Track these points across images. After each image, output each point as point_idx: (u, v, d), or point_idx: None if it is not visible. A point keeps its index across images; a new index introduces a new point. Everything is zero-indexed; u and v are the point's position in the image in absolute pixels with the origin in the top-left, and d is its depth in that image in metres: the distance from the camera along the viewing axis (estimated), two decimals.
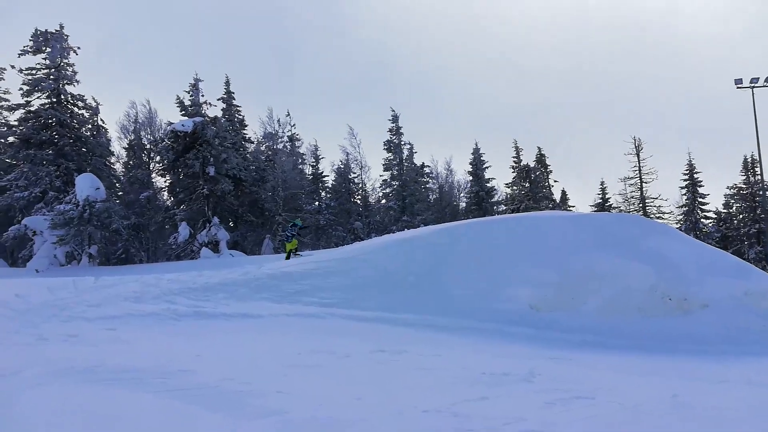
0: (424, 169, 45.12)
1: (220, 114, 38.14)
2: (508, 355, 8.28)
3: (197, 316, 8.76)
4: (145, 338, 7.21)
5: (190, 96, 35.75)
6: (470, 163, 46.03)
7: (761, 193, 38.13)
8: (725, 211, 44.09)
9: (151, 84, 78.25)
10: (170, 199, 37.14)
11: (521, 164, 45.92)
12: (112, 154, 37.79)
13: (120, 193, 38.01)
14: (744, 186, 42.75)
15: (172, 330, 7.86)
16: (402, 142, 43.31)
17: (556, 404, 5.14)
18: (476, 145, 45.83)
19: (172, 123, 33.85)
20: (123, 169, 39.95)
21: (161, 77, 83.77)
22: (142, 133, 40.05)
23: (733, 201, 43.65)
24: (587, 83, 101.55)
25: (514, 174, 45.97)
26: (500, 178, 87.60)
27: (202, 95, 35.86)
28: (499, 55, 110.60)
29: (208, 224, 32.47)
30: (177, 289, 10.39)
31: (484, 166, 45.73)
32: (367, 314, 10.36)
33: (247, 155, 38.82)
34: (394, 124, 43.29)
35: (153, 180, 39.52)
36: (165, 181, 37.59)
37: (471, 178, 46.49)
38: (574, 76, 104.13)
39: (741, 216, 42.86)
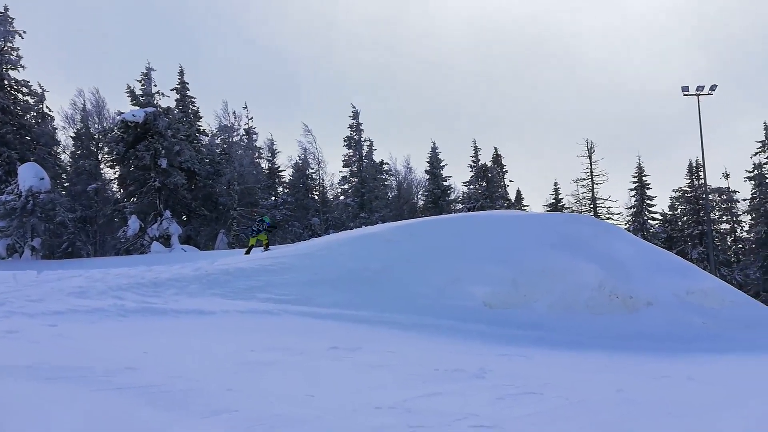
0: (384, 166, 45.20)
1: (173, 105, 37.14)
2: (461, 352, 8.37)
3: (145, 312, 8.48)
4: (89, 335, 6.93)
5: (142, 85, 34.67)
6: (427, 162, 46.39)
7: (704, 196, 39.90)
8: (671, 213, 45.93)
9: (101, 72, 75.43)
10: (120, 191, 35.94)
11: (479, 164, 46.58)
12: (58, 143, 36.31)
13: (66, 184, 36.56)
14: (689, 189, 44.63)
15: (119, 326, 7.59)
16: (362, 139, 43.25)
17: (506, 399, 5.23)
18: (434, 144, 46.24)
19: (123, 113, 32.74)
20: (69, 160, 38.38)
21: (111, 66, 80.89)
22: (90, 123, 38.51)
23: (678, 203, 45.51)
24: (543, 86, 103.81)
25: (472, 173, 46.59)
26: (458, 177, 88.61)
27: (155, 85, 34.85)
28: (457, 55, 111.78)
29: (159, 218, 31.59)
30: (124, 284, 10.03)
31: (442, 165, 46.17)
32: (322, 311, 10.28)
33: (202, 148, 37.96)
34: (354, 121, 43.18)
35: (102, 171, 38.15)
36: (114, 173, 36.38)
37: (428, 176, 46.86)
38: (531, 78, 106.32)
39: (685, 218, 44.74)
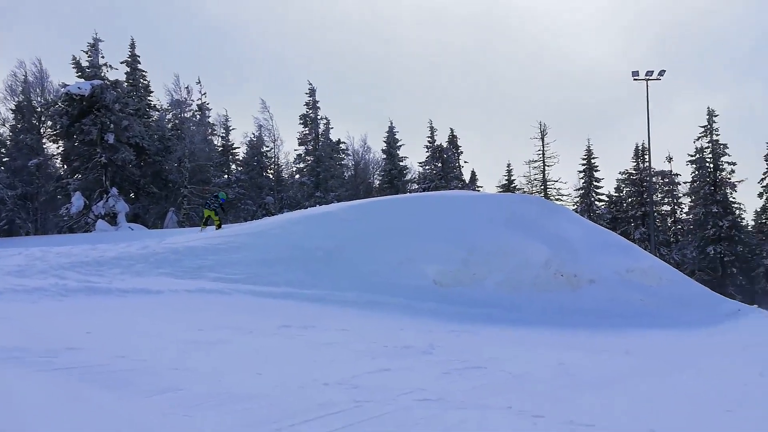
0: (340, 145, 44.86)
1: (122, 78, 35.62)
2: (411, 329, 8.54)
3: (89, 291, 8.24)
4: (29, 315, 6.70)
5: (89, 57, 33.02)
6: (384, 141, 46.35)
7: (648, 179, 41.49)
8: (616, 194, 47.57)
9: (43, 42, 71.47)
10: (63, 167, 34.41)
11: (434, 144, 46.85)
12: None
13: (5, 159, 34.72)
14: (634, 172, 46.26)
15: (60, 306, 7.37)
16: (318, 117, 42.71)
17: (452, 374, 5.40)
18: (391, 123, 46.16)
19: (68, 85, 31.19)
20: (9, 134, 36.41)
21: (55, 35, 76.72)
22: (32, 95, 36.54)
23: (623, 186, 47.15)
24: (498, 69, 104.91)
25: (428, 154, 46.86)
26: (415, 157, 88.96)
27: (102, 56, 33.22)
28: (414, 36, 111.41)
29: (105, 195, 30.49)
30: (66, 263, 9.69)
31: (398, 145, 46.22)
32: (274, 290, 10.25)
33: (152, 123, 36.68)
34: (310, 98, 42.54)
35: (44, 146, 36.39)
36: (57, 148, 34.76)
37: (385, 156, 46.86)
38: (486, 61, 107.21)
39: (630, 200, 46.44)
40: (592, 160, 47.29)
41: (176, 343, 5.84)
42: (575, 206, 46.54)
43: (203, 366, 5.00)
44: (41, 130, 36.42)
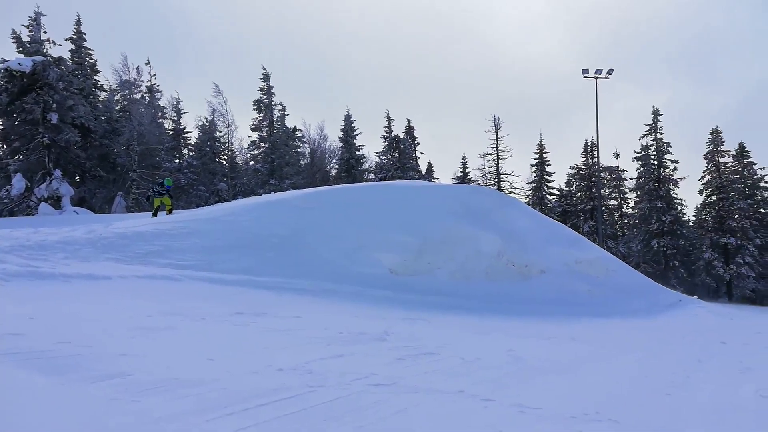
0: (296, 132, 44.35)
1: (67, 56, 34.01)
2: (366, 316, 8.58)
3: (31, 276, 7.88)
4: None
5: (30, 32, 31.35)
6: (341, 130, 46.14)
7: (597, 174, 42.87)
8: (567, 188, 48.98)
9: None
10: (2, 146, 32.66)
11: (392, 134, 46.95)
12: None
13: None
14: (583, 167, 47.71)
15: (1, 291, 7.02)
16: (273, 103, 42.07)
17: (405, 360, 5.46)
18: (348, 111, 46.04)
19: (7, 60, 29.53)
20: None
21: None
22: None
23: (573, 180, 48.58)
24: (455, 64, 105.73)
25: (385, 143, 46.92)
26: (372, 146, 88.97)
27: (45, 32, 31.63)
28: (373, 28, 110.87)
29: (48, 177, 29.16)
30: (6, 246, 9.23)
31: (355, 133, 46.10)
32: (226, 277, 10.08)
33: (99, 104, 35.25)
34: (265, 83, 41.86)
35: None
36: None
37: (342, 144, 46.65)
38: (444, 55, 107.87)
39: (579, 194, 47.91)
40: (544, 155, 48.49)
41: (124, 330, 5.67)
42: (527, 199, 47.68)
43: (152, 352, 4.88)
44: None
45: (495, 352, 6.38)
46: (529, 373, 5.49)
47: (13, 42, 31.33)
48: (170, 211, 16.98)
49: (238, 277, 10.18)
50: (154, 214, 17.54)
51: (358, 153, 46.23)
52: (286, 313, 7.92)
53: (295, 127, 43.99)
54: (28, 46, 31.05)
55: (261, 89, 41.88)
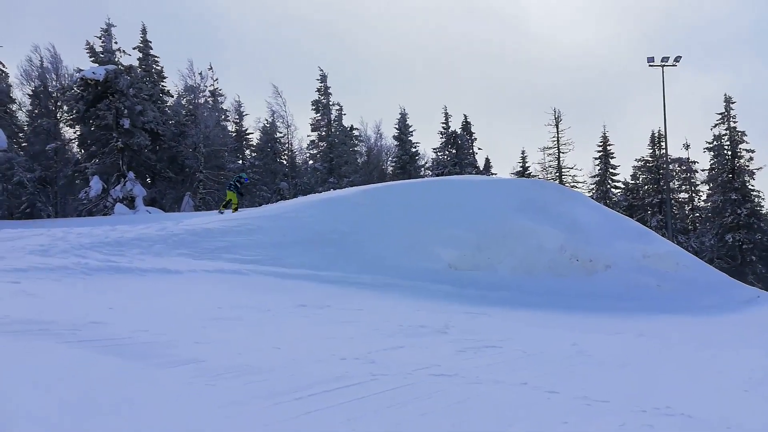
0: (353, 131, 44.84)
1: (135, 63, 35.81)
2: (426, 310, 8.60)
3: (110, 270, 8.40)
4: (53, 292, 6.86)
5: (102, 42, 33.21)
6: (396, 128, 46.26)
7: (665, 166, 40.99)
8: (632, 182, 47.06)
9: (56, 28, 71.92)
10: (81, 151, 34.77)
11: (449, 130, 46.64)
12: (14, 101, 34.72)
13: (24, 144, 35.15)
14: (650, 159, 45.70)
15: (83, 284, 7.52)
16: (330, 103, 42.70)
17: (466, 352, 5.46)
18: (402, 109, 46.00)
19: (82, 70, 31.44)
20: (27, 119, 36.83)
21: (68, 21, 77.09)
22: (48, 80, 36.87)
23: (639, 173, 46.60)
24: (513, 58, 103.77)
25: (442, 140, 46.66)
26: (428, 143, 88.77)
27: (116, 42, 33.42)
28: (428, 26, 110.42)
29: (122, 179, 30.83)
30: (88, 243, 9.86)
31: (410, 130, 46.10)
32: (290, 271, 10.35)
33: (166, 109, 36.90)
34: (322, 84, 42.51)
35: (61, 131, 36.76)
36: (74, 132, 35.07)
37: (397, 142, 46.78)
38: (501, 49, 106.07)
39: (646, 187, 45.93)
40: (608, 147, 46.80)
41: (196, 320, 5.95)
42: (591, 193, 46.16)
43: (223, 341, 5.11)
44: (58, 115, 36.79)
45: (558, 346, 6.27)
46: (595, 366, 5.36)
47: (87, 52, 33.32)
48: (236, 209, 17.58)
49: (301, 272, 10.44)
50: (224, 206, 18.17)
51: (413, 150, 46.20)
52: (348, 306, 8.07)
53: (352, 126, 44.50)
54: (101, 55, 32.92)
55: (318, 90, 42.58)
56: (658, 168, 44.27)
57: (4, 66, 32.49)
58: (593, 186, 47.02)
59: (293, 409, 3.35)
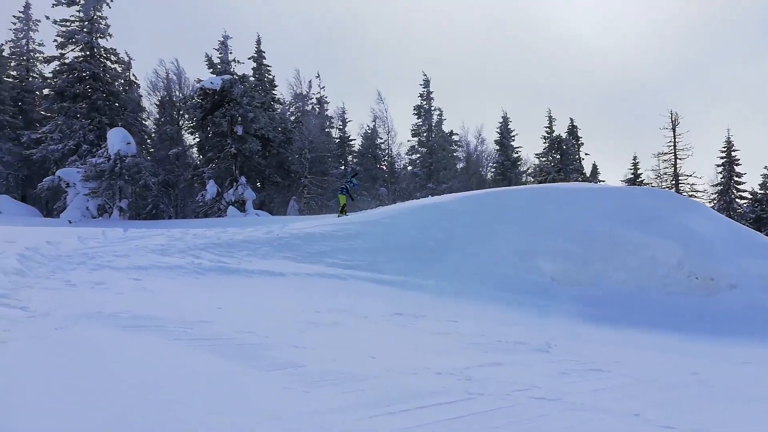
0: (453, 136, 44.58)
1: (249, 73, 38.04)
2: (525, 325, 8.27)
3: (220, 270, 8.91)
4: (168, 289, 7.38)
5: (219, 54, 35.64)
6: (497, 132, 45.32)
7: None
8: (762, 191, 42.71)
9: (178, 42, 78.32)
10: (199, 156, 37.51)
11: (553, 135, 44.98)
12: (143, 109, 38.18)
13: (151, 149, 38.53)
14: None
15: (195, 283, 8.03)
16: (432, 108, 42.75)
17: (569, 374, 5.14)
18: (504, 113, 45.00)
19: (202, 80, 33.92)
20: (154, 126, 40.36)
21: (188, 35, 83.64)
22: (172, 91, 40.21)
23: None
24: (623, 57, 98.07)
25: (546, 144, 45.10)
26: (532, 148, 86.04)
27: (231, 52, 35.73)
28: (535, 27, 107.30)
29: (235, 183, 32.82)
30: (201, 244, 10.56)
31: (512, 135, 44.97)
32: (387, 278, 10.42)
33: (276, 116, 38.83)
34: (425, 89, 42.69)
35: (182, 137, 39.89)
36: (194, 139, 37.94)
37: (498, 147, 45.83)
38: (608, 51, 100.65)
39: None
40: (732, 153, 42.83)
41: (296, 323, 6.12)
42: (712, 204, 42.44)
43: (320, 346, 5.19)
44: (180, 123, 39.97)
45: (674, 373, 5.74)
46: (717, 399, 4.83)
47: (206, 64, 35.89)
48: (344, 213, 17.84)
49: (397, 278, 10.47)
50: (342, 212, 18.13)
51: (514, 155, 45.01)
52: (444, 316, 7.94)
53: (452, 131, 44.26)
54: (218, 66, 35.31)
55: (421, 95, 42.78)
56: None
57: (135, 78, 35.83)
58: (715, 196, 43.20)
59: (386, 424, 3.30)
